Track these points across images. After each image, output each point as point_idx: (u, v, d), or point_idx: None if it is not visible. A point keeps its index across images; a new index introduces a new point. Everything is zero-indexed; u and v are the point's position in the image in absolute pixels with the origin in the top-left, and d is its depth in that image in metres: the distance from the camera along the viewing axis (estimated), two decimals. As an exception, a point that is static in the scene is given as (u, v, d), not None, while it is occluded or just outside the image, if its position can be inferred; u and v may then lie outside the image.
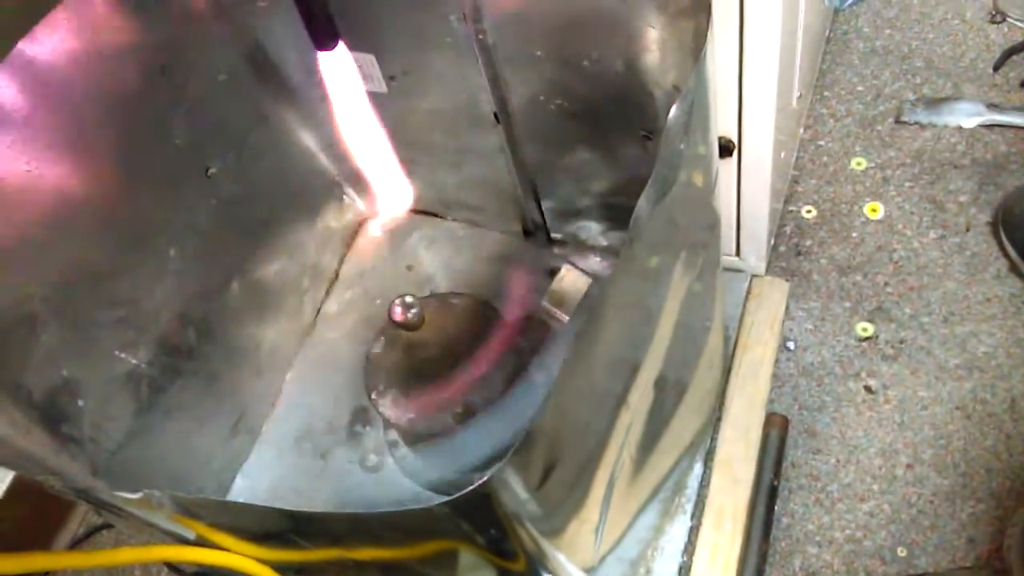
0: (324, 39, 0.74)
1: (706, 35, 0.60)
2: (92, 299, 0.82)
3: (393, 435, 1.00)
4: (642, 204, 0.54)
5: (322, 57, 0.77)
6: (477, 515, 0.53)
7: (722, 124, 0.89)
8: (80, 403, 0.80)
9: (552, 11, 0.80)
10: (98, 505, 0.58)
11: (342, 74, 0.81)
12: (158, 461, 0.91)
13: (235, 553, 0.62)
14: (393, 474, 1.00)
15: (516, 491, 0.52)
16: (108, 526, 1.06)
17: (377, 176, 1.14)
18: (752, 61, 0.81)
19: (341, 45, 0.77)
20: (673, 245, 0.69)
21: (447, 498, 0.48)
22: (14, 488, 1.00)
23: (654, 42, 0.76)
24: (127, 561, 0.68)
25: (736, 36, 0.79)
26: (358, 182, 1.15)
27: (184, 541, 0.63)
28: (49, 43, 0.73)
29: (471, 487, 0.47)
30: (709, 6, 0.62)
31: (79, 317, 0.81)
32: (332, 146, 1.09)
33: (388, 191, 1.16)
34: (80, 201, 0.80)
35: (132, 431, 0.86)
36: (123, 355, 0.85)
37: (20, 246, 0.75)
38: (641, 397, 0.74)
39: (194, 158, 0.91)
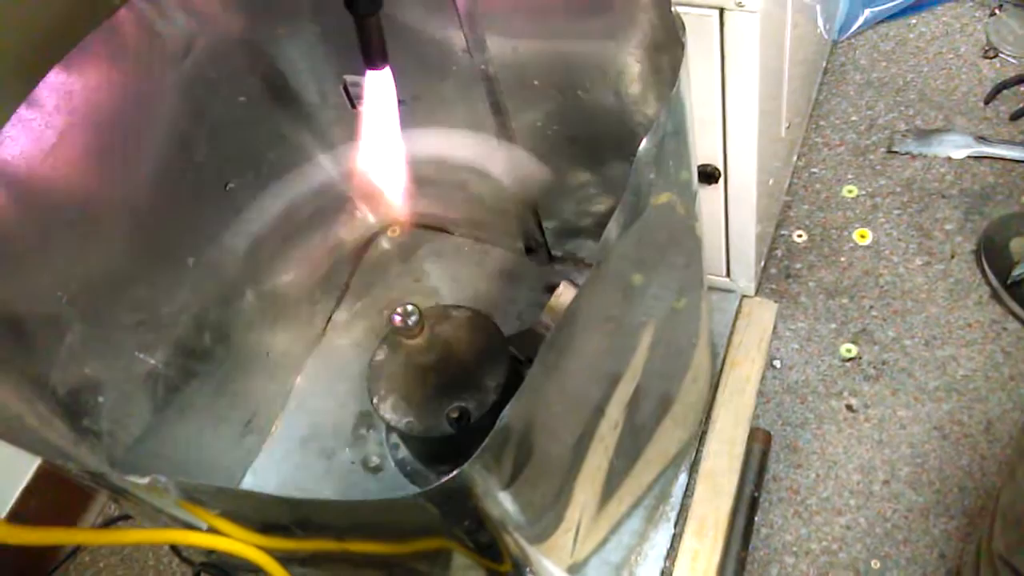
0: (376, 60, 0.81)
1: (679, 71, 0.65)
2: (115, 303, 0.88)
3: (394, 437, 1.06)
4: (611, 228, 0.59)
5: (369, 76, 0.84)
6: (453, 507, 0.58)
7: (708, 152, 0.94)
8: (100, 399, 0.86)
9: (547, 46, 0.86)
10: (112, 490, 0.64)
11: (383, 93, 0.88)
12: (172, 457, 0.97)
13: (238, 540, 0.67)
14: (394, 475, 1.05)
15: (488, 484, 0.57)
16: (124, 517, 1.12)
17: (393, 191, 1.19)
18: (734, 95, 0.86)
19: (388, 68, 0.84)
20: (649, 265, 0.74)
21: (424, 490, 0.54)
22: (35, 482, 1.07)
23: (637, 75, 0.82)
24: (136, 541, 0.73)
25: (718, 70, 0.84)
26: (369, 198, 1.21)
27: (193, 529, 0.69)
28: (82, 67, 0.80)
29: (444, 479, 0.53)
30: (683, 45, 0.67)
31: (102, 319, 0.87)
32: (345, 164, 1.15)
33: (402, 205, 1.22)
34: (107, 211, 0.86)
35: (148, 427, 0.92)
36: (142, 356, 0.91)
37: (50, 252, 0.81)
38: (621, 408, 0.79)
39: (214, 174, 0.97)
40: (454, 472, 0.53)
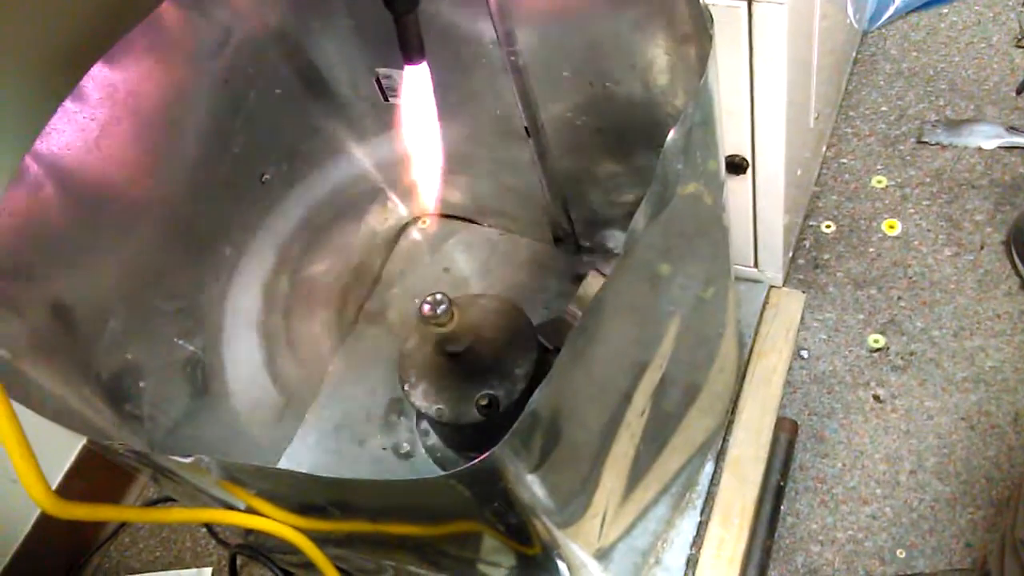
0: (413, 55, 0.84)
1: (707, 62, 0.66)
2: (155, 290, 0.91)
3: (424, 425, 1.08)
4: (638, 217, 0.61)
5: (407, 71, 0.86)
6: (483, 488, 0.60)
7: (736, 142, 0.94)
8: (141, 384, 0.88)
9: (576, 38, 0.87)
10: (156, 469, 0.66)
11: (420, 88, 0.90)
12: (209, 442, 1.00)
13: (275, 520, 0.69)
14: (424, 461, 1.07)
15: (516, 467, 0.59)
16: (162, 500, 1.15)
17: (426, 183, 1.21)
18: (762, 86, 0.87)
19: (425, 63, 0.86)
20: (676, 255, 0.75)
21: (455, 470, 0.55)
22: (76, 468, 1.10)
23: (666, 66, 0.83)
24: (177, 520, 0.76)
25: (746, 61, 0.85)
26: (401, 188, 1.23)
27: (232, 509, 0.71)
28: (124, 60, 0.82)
29: (474, 461, 0.54)
30: (711, 36, 0.68)
31: (143, 306, 0.89)
32: (378, 155, 1.17)
33: (434, 197, 1.24)
34: (147, 202, 0.88)
35: (187, 412, 0.95)
36: (181, 342, 0.94)
37: (94, 241, 0.84)
38: (648, 395, 0.80)
39: (250, 165, 0.99)
40: (484, 454, 0.54)
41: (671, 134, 0.62)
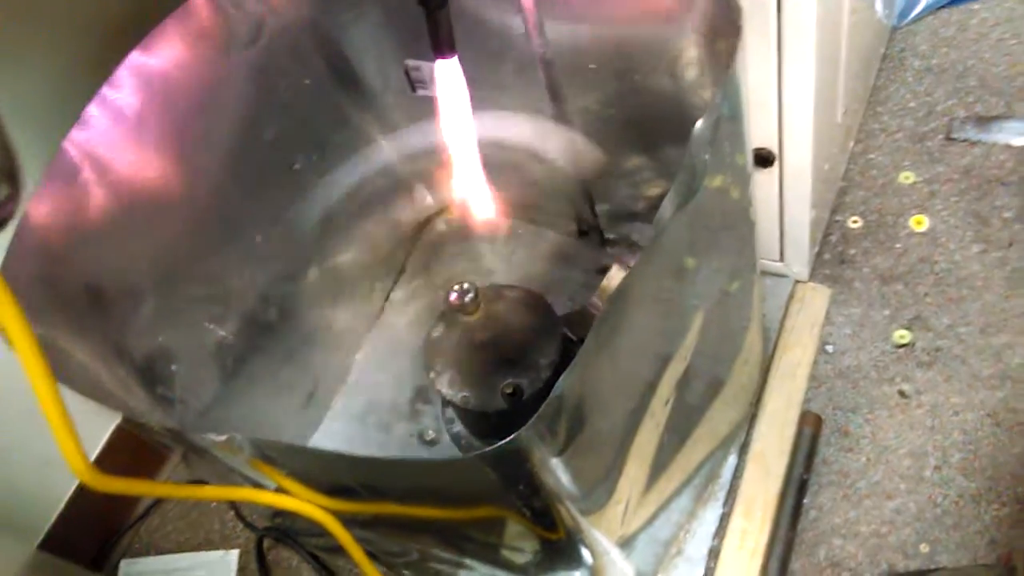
0: (445, 49, 0.85)
1: (735, 55, 0.67)
2: (187, 276, 0.92)
3: (450, 412, 1.09)
4: (665, 206, 0.61)
5: (439, 64, 0.87)
6: (509, 470, 0.61)
7: (763, 136, 0.94)
8: (173, 367, 0.90)
9: (605, 30, 0.88)
10: (189, 447, 0.68)
11: (452, 81, 0.91)
12: (238, 425, 1.01)
13: (303, 500, 0.71)
14: (448, 448, 1.08)
15: (542, 450, 0.59)
16: (192, 483, 1.17)
17: (461, 177, 1.21)
18: (790, 79, 0.87)
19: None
20: (702, 248, 0.76)
21: (482, 451, 0.56)
22: (107, 450, 1.12)
23: (694, 59, 0.83)
24: (209, 497, 0.78)
25: (775, 54, 0.85)
26: (428, 180, 1.24)
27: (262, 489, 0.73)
28: (160, 49, 0.84)
29: (501, 442, 0.55)
30: (739, 29, 0.68)
31: (175, 291, 0.91)
32: (405, 147, 1.18)
33: (470, 190, 1.24)
34: (180, 188, 0.90)
35: (217, 397, 0.96)
36: (212, 327, 0.96)
37: (128, 227, 0.85)
38: (672, 386, 0.81)
39: (281, 154, 1.01)
40: (511, 436, 0.55)
41: (699, 123, 0.63)
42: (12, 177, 0.40)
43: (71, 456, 0.50)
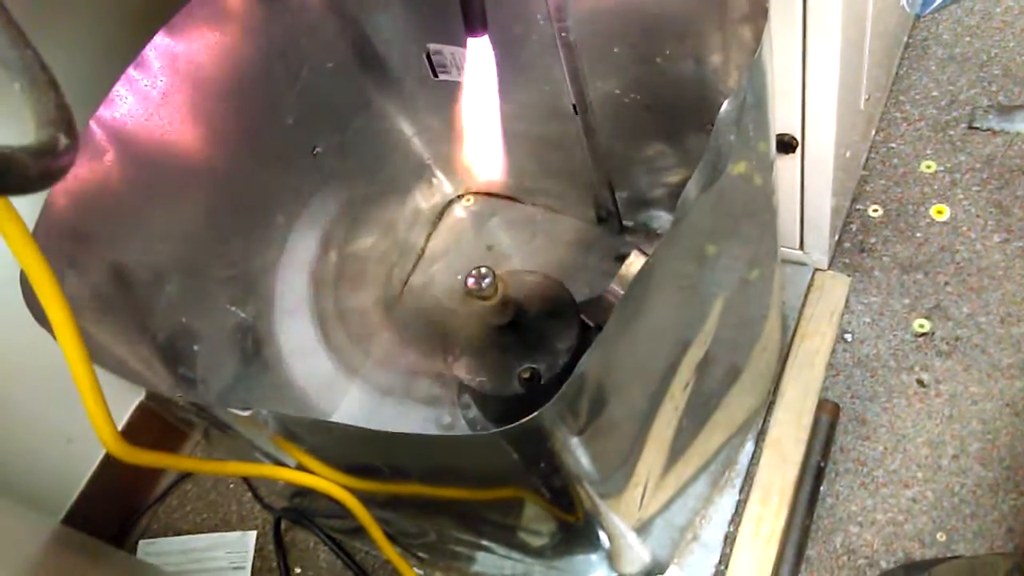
0: (476, 26, 0.84)
1: (762, 39, 0.66)
2: (209, 257, 0.93)
3: (466, 398, 1.09)
4: (690, 188, 0.61)
5: (470, 43, 0.87)
6: (529, 448, 0.61)
7: (786, 122, 0.94)
8: (195, 348, 0.91)
9: (628, 13, 0.88)
10: (213, 422, 0.68)
11: (482, 61, 0.91)
12: (258, 406, 1.02)
13: (324, 478, 0.71)
14: (465, 432, 1.09)
15: (562, 430, 0.60)
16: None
17: (479, 158, 1.22)
18: (814, 65, 0.86)
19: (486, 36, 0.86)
20: (723, 236, 0.76)
21: (504, 428, 0.56)
22: (128, 428, 1.13)
23: (719, 43, 0.83)
24: (233, 472, 0.78)
25: (799, 40, 0.85)
26: (447, 165, 1.25)
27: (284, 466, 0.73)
28: (185, 30, 0.85)
29: (523, 420, 0.56)
30: (766, 12, 0.68)
31: (198, 272, 0.92)
32: (426, 132, 1.18)
33: (487, 171, 1.24)
34: (204, 170, 0.91)
35: (237, 377, 0.97)
36: (233, 308, 0.96)
37: (153, 207, 0.86)
38: (691, 370, 0.81)
39: (303, 137, 1.01)
40: (532, 414, 0.56)
41: (724, 105, 0.63)
42: (71, 128, 0.42)
43: (101, 428, 0.51)
